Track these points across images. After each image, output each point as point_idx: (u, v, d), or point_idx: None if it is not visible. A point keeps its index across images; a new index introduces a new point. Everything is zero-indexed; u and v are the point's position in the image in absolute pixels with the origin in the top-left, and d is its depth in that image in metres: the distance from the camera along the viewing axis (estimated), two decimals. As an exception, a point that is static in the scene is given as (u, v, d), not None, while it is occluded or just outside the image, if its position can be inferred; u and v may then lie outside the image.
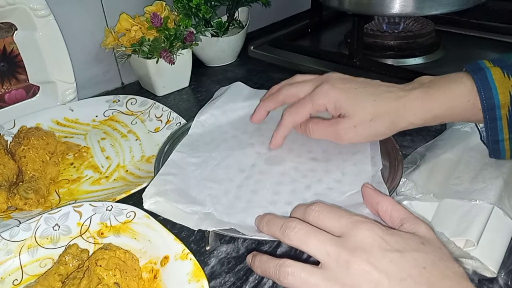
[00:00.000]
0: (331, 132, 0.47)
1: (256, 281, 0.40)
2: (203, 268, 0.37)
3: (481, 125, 0.46)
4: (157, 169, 0.48)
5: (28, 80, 0.67)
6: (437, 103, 0.43)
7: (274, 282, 0.40)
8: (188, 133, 0.54)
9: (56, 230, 0.42)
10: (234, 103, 0.59)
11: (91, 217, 0.43)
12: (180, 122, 0.61)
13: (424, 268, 0.30)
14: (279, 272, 0.32)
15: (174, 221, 0.41)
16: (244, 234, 0.39)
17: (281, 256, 0.42)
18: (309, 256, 0.42)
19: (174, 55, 0.70)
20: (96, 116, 0.66)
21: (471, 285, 0.30)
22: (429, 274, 0.29)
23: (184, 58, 0.73)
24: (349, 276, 0.30)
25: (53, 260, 0.41)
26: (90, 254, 0.41)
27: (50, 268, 0.40)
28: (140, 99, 0.67)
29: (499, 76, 0.41)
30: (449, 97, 0.43)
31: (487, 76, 0.42)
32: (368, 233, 0.31)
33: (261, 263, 0.34)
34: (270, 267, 0.33)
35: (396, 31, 0.83)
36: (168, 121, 0.62)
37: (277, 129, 0.50)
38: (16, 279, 0.40)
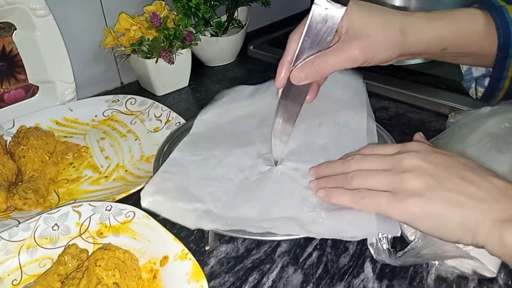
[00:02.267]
0: (344, 55, 0.41)
1: (256, 281, 0.40)
2: (202, 268, 0.37)
3: (465, 68, 0.50)
4: (156, 169, 0.48)
5: (27, 80, 0.67)
6: (443, 23, 0.43)
7: (273, 282, 0.40)
8: (190, 131, 0.54)
9: (55, 230, 0.42)
10: (237, 102, 0.58)
11: (90, 217, 0.43)
12: (179, 122, 0.60)
13: (466, 164, 0.36)
14: (344, 180, 0.39)
15: (172, 220, 0.41)
16: (244, 234, 0.39)
17: (280, 256, 0.42)
18: (309, 256, 0.42)
19: (174, 55, 0.70)
20: (96, 116, 0.66)
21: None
22: (472, 166, 0.35)
23: (183, 57, 0.73)
24: (403, 167, 0.36)
25: (52, 260, 0.41)
26: (89, 254, 0.41)
27: (49, 268, 0.39)
28: (139, 99, 0.67)
29: None
30: (457, 22, 0.44)
31: (505, 13, 0.42)
32: (416, 144, 0.39)
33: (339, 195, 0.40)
34: (337, 179, 0.40)
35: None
36: (167, 120, 0.62)
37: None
38: (16, 279, 0.39)
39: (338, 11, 0.39)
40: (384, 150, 0.40)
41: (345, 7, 0.39)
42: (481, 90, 0.50)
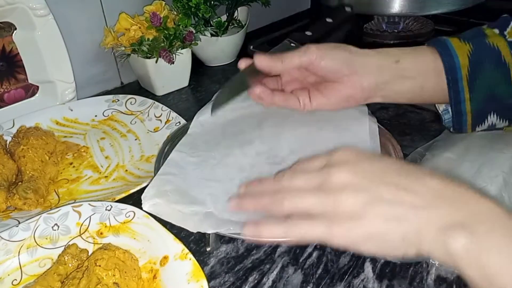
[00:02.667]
0: (300, 49, 0.47)
1: (256, 281, 0.40)
2: (202, 268, 0.37)
3: (441, 108, 0.51)
4: (157, 170, 0.48)
5: (27, 80, 0.67)
6: (390, 49, 0.47)
7: (273, 282, 0.40)
8: (188, 132, 0.54)
9: (55, 230, 0.42)
10: (233, 103, 0.58)
11: (90, 217, 0.43)
12: (179, 122, 0.60)
13: (399, 167, 0.34)
14: (273, 200, 0.35)
15: (173, 223, 0.41)
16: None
17: (280, 256, 0.42)
18: (309, 256, 0.42)
19: (174, 55, 0.70)
20: (96, 115, 0.66)
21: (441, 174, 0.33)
22: (405, 169, 0.33)
23: (183, 57, 0.73)
24: (333, 184, 0.33)
25: (52, 260, 0.41)
26: (89, 254, 0.41)
27: (49, 268, 0.39)
28: (139, 98, 0.67)
29: (457, 43, 0.46)
30: (405, 52, 0.47)
31: (447, 43, 0.46)
32: (344, 152, 0.36)
33: (253, 198, 0.37)
34: (264, 199, 0.36)
35: (396, 30, 0.83)
36: (167, 120, 0.62)
37: None
38: (15, 279, 0.39)
39: None
40: (313, 163, 0.37)
41: None
42: None
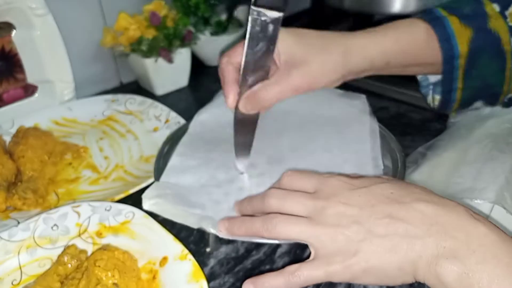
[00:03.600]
0: (286, 85, 0.41)
1: (256, 282, 0.40)
2: (202, 269, 0.37)
3: (419, 76, 0.49)
4: (156, 171, 0.48)
5: (26, 80, 0.67)
6: (385, 37, 0.43)
7: (273, 283, 0.40)
8: (188, 132, 0.54)
9: (54, 230, 0.42)
10: None
11: (89, 217, 0.43)
12: (179, 122, 0.60)
13: (391, 193, 0.33)
14: (266, 225, 0.35)
15: (174, 220, 0.41)
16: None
17: (280, 256, 0.42)
18: (309, 257, 0.42)
19: (173, 54, 0.70)
20: (95, 115, 0.66)
21: (435, 194, 0.33)
22: (397, 195, 0.33)
23: (183, 57, 0.72)
24: (328, 218, 0.33)
25: (51, 260, 0.41)
26: (88, 255, 0.41)
27: (48, 268, 0.39)
28: (138, 98, 0.67)
29: (457, 25, 0.42)
30: (399, 33, 0.43)
31: (445, 25, 0.42)
32: (336, 181, 0.36)
33: (243, 223, 0.37)
34: (255, 224, 0.36)
35: (396, 30, 0.82)
36: (167, 120, 0.62)
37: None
38: (15, 279, 0.39)
39: (274, 18, 0.39)
40: (304, 183, 0.37)
41: (281, 13, 0.38)
42: (437, 98, 0.49)
